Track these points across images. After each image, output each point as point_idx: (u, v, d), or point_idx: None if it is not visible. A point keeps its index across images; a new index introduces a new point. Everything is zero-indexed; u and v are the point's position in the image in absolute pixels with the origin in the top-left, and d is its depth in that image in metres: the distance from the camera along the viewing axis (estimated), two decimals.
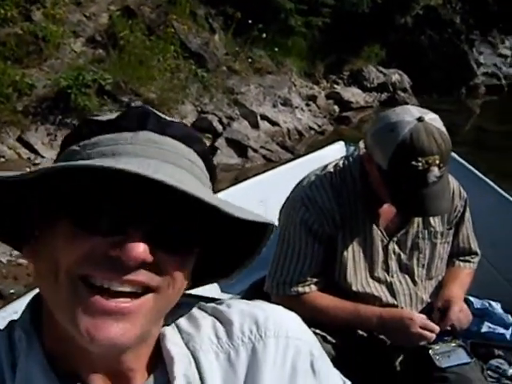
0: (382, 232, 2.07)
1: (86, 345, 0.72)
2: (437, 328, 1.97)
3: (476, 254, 2.30)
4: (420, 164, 1.81)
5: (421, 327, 1.94)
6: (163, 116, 0.82)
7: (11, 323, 0.84)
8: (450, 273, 2.23)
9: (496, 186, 3.34)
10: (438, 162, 1.82)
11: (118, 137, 0.77)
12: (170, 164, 0.75)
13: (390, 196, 1.94)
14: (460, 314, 2.03)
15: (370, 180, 2.01)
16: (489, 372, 2.40)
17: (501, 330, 2.76)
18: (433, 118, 1.88)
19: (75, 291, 0.72)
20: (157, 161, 0.74)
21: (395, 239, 2.09)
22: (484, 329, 2.76)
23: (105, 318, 0.72)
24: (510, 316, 2.83)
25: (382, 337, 2.09)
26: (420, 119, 1.84)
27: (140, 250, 0.71)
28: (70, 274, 0.72)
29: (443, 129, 1.87)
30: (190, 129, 0.85)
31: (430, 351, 1.97)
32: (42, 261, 0.75)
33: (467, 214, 2.24)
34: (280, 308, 0.96)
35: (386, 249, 2.08)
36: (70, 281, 0.72)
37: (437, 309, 2.05)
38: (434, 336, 1.96)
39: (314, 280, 2.04)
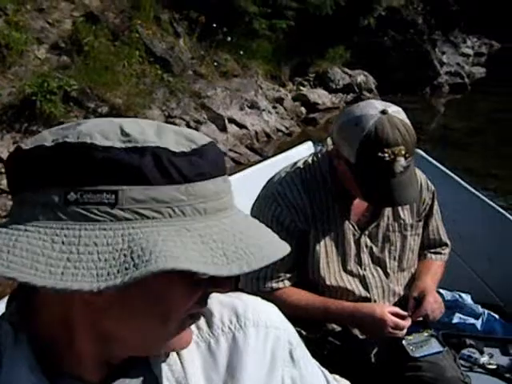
0: (353, 226, 2.10)
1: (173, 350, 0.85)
2: (407, 324, 1.99)
3: (446, 245, 2.34)
4: (386, 155, 1.84)
5: (392, 328, 1.97)
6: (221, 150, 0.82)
7: None
8: (423, 265, 2.26)
9: (462, 181, 3.39)
10: (403, 152, 1.85)
11: (217, 187, 0.75)
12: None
13: (359, 189, 1.96)
14: (434, 305, 2.06)
15: (339, 175, 2.04)
16: (461, 361, 2.45)
17: (471, 321, 2.82)
18: (396, 111, 1.92)
19: (182, 325, 0.80)
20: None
21: (367, 232, 2.12)
22: (455, 320, 2.81)
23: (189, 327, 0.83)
24: (479, 307, 2.89)
25: (355, 330, 2.11)
26: (383, 112, 1.88)
27: (232, 286, 0.81)
28: (182, 315, 0.78)
29: (407, 120, 1.91)
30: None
31: (404, 342, 1.99)
32: (142, 302, 0.75)
33: (436, 207, 2.28)
34: (258, 299, 0.97)
35: (358, 242, 2.10)
36: (181, 319, 0.79)
37: (412, 299, 2.08)
38: (404, 333, 1.99)
39: (288, 275, 2.06)
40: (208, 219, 0.73)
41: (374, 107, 1.91)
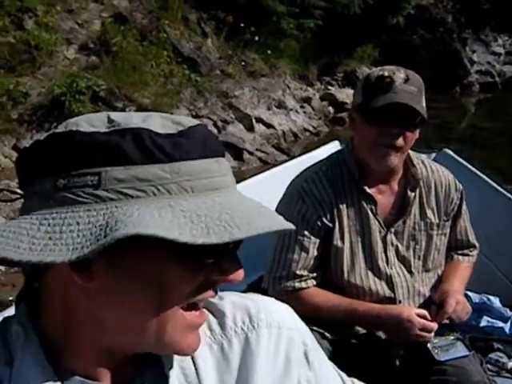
0: (380, 223, 2.08)
1: (178, 353, 0.82)
2: (435, 327, 1.96)
3: (474, 246, 2.31)
4: (386, 73, 1.99)
5: (420, 329, 1.94)
6: (213, 132, 0.82)
7: (4, 320, 0.83)
8: (449, 267, 2.23)
9: (491, 181, 3.34)
10: (402, 74, 1.99)
11: (208, 167, 0.76)
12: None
13: (365, 120, 2.01)
14: (457, 307, 2.02)
15: (357, 150, 2.09)
16: (488, 365, 2.41)
17: (499, 324, 2.77)
18: None
19: (180, 316, 0.77)
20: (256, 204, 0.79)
21: (393, 230, 2.09)
22: (483, 323, 2.77)
23: (197, 331, 0.81)
24: (508, 310, 2.84)
25: (380, 333, 2.08)
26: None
27: (241, 275, 0.79)
28: (180, 303, 0.77)
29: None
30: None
31: (429, 345, 1.96)
32: (134, 284, 0.74)
33: (464, 207, 2.25)
34: (271, 299, 0.96)
35: (384, 240, 2.08)
36: (177, 308, 0.77)
37: (433, 302, 2.05)
38: (432, 335, 1.96)
39: (311, 275, 2.04)
40: (196, 197, 0.73)
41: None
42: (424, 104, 2.01)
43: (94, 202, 0.71)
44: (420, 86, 2.00)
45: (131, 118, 0.76)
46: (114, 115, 0.76)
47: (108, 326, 0.77)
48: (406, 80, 1.97)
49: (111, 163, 0.71)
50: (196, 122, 0.79)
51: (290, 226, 0.78)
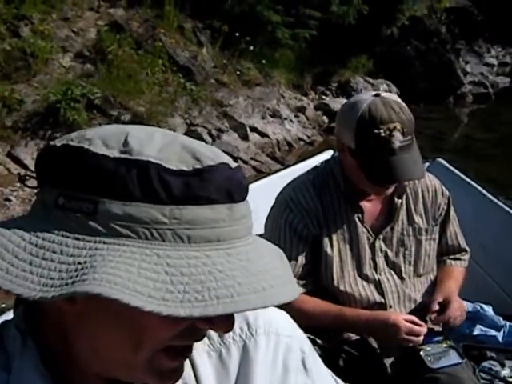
0: (367, 230, 2.10)
1: None
2: (423, 330, 1.97)
3: (465, 250, 2.33)
4: (382, 131, 1.90)
5: (407, 333, 1.95)
6: (243, 174, 0.74)
7: (2, 324, 0.82)
8: (444, 271, 2.25)
9: (484, 191, 3.36)
10: (399, 127, 1.91)
11: (215, 215, 0.68)
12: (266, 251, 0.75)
13: (363, 172, 1.99)
14: (457, 312, 2.05)
15: (347, 171, 2.08)
16: (481, 374, 2.42)
17: (492, 333, 2.78)
18: (389, 94, 2.04)
19: (155, 357, 0.71)
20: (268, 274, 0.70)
21: (381, 236, 2.11)
22: (476, 331, 2.78)
23: (172, 375, 0.75)
24: (501, 318, 2.85)
25: (372, 339, 2.09)
26: (377, 95, 1.99)
27: (230, 326, 0.73)
28: (158, 346, 0.71)
29: (399, 100, 1.99)
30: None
31: (422, 352, 1.97)
32: (109, 318, 0.70)
33: (452, 212, 2.27)
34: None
35: (372, 246, 2.10)
36: (155, 351, 0.71)
37: (435, 302, 2.05)
38: (420, 340, 1.97)
39: (301, 282, 2.05)
40: (191, 248, 0.67)
41: (367, 93, 2.04)
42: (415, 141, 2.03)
43: (84, 231, 0.67)
44: (412, 126, 1.97)
45: (147, 147, 0.69)
46: (132, 137, 0.70)
47: (90, 350, 0.74)
48: (403, 133, 1.92)
49: (111, 195, 0.67)
50: (221, 158, 0.71)
51: (290, 299, 0.70)
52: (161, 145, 0.70)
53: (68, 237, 0.67)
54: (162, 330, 0.69)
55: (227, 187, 0.70)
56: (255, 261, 0.70)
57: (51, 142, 0.74)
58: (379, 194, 2.08)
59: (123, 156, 0.68)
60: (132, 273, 0.63)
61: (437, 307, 2.04)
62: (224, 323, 0.71)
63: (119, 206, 0.66)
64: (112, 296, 0.61)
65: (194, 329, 0.71)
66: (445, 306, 2.04)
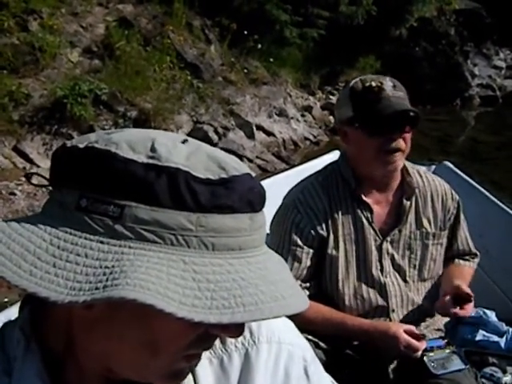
0: (375, 231, 2.09)
1: None
2: (421, 346, 1.95)
3: (476, 255, 2.32)
4: (373, 83, 1.99)
5: (405, 347, 1.93)
6: (261, 184, 0.76)
7: (4, 325, 0.82)
8: (453, 269, 2.23)
9: (490, 195, 3.36)
10: (389, 81, 2.01)
11: (238, 224, 0.70)
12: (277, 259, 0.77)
13: (365, 132, 2.01)
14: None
15: (354, 161, 2.09)
16: (483, 380, 2.41)
17: (495, 339, 2.77)
18: None
19: (176, 361, 0.74)
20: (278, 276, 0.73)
21: (389, 239, 2.10)
22: (478, 337, 2.76)
23: (180, 375, 0.78)
24: (504, 324, 2.84)
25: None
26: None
27: (242, 331, 0.74)
28: (177, 352, 0.73)
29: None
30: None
31: (425, 358, 1.96)
32: (127, 326, 0.71)
33: (462, 217, 2.26)
34: None
35: (379, 248, 2.09)
36: (172, 359, 0.73)
37: (451, 295, 2.01)
38: (418, 355, 1.95)
39: (304, 285, 2.04)
40: (214, 256, 0.68)
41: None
42: None
43: (109, 234, 0.67)
44: (404, 89, 2.05)
45: (175, 153, 0.70)
46: (159, 143, 0.71)
47: (103, 355, 0.74)
48: (394, 86, 2.00)
49: (138, 199, 0.67)
50: (243, 169, 0.73)
51: (301, 308, 0.71)
52: (187, 153, 0.71)
53: (92, 240, 0.67)
54: (179, 334, 0.70)
55: (249, 197, 0.71)
56: (271, 270, 0.72)
57: (67, 143, 0.73)
58: (388, 168, 2.02)
59: (152, 162, 0.68)
60: (162, 278, 0.64)
61: (448, 297, 2.01)
62: (237, 329, 0.73)
63: (146, 211, 0.67)
64: (147, 301, 0.61)
65: (207, 335, 0.73)
66: (457, 294, 2.01)
